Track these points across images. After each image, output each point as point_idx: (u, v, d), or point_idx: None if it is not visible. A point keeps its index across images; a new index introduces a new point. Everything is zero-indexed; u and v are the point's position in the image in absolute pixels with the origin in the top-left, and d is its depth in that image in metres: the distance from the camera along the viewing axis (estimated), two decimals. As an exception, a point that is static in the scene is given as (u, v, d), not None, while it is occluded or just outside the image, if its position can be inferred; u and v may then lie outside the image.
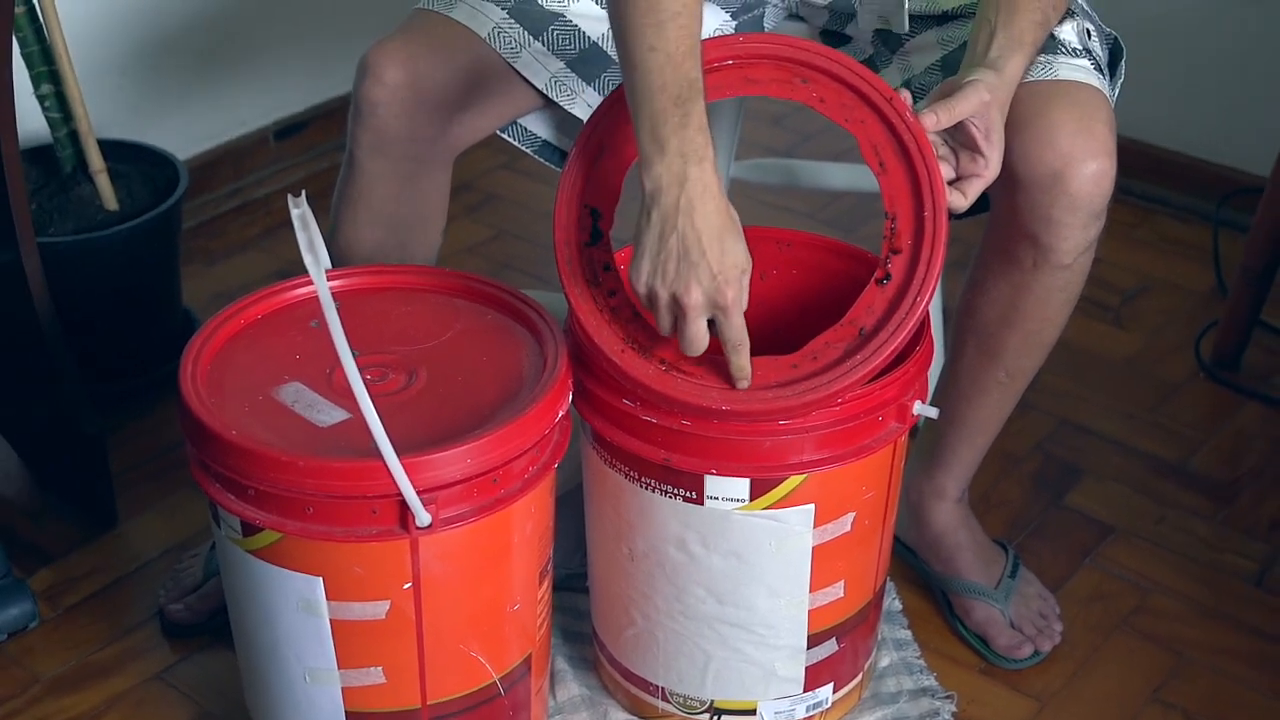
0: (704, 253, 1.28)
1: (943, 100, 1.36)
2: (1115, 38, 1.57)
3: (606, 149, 1.40)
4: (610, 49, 1.60)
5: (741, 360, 1.33)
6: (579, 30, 1.59)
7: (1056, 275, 1.49)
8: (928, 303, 1.34)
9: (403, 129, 1.54)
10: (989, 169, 1.37)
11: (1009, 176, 1.42)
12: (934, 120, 1.35)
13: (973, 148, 1.37)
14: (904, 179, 1.36)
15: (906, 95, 1.38)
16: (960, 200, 1.38)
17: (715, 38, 1.44)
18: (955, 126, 1.36)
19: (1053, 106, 1.42)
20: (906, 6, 1.56)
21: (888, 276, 1.35)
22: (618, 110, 1.40)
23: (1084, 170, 1.41)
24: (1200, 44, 2.44)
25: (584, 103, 1.61)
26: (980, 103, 1.35)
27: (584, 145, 1.40)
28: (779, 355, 1.35)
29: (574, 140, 1.62)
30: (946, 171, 1.38)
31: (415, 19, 1.57)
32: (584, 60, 1.60)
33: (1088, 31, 1.52)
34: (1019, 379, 1.60)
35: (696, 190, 1.28)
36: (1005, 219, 1.48)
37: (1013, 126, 1.41)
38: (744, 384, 1.34)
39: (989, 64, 1.39)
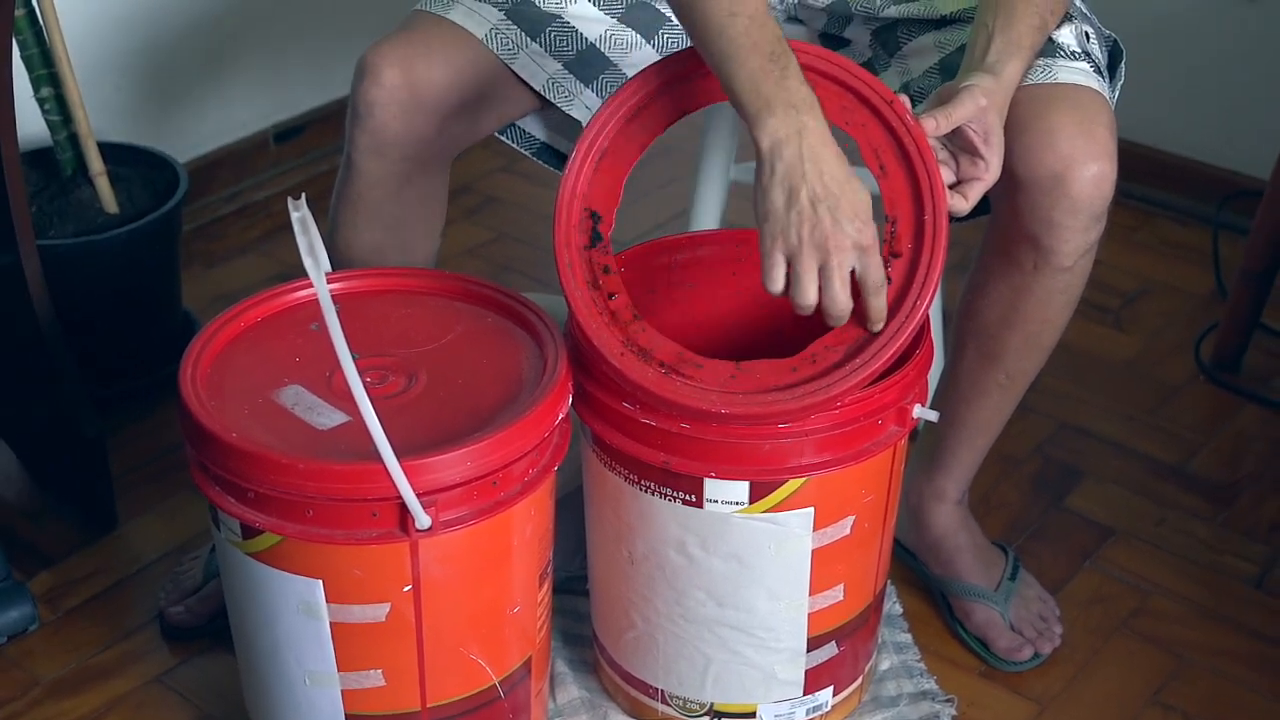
0: (839, 198, 1.28)
1: (940, 106, 1.36)
2: (1114, 40, 1.57)
3: (608, 152, 1.40)
4: (608, 50, 1.60)
5: (880, 301, 1.32)
6: (576, 31, 1.59)
7: (1057, 277, 1.49)
8: (928, 306, 1.34)
9: (400, 130, 1.54)
10: (989, 172, 1.38)
11: (1010, 179, 1.42)
12: (933, 125, 1.35)
13: (972, 151, 1.37)
14: (904, 182, 1.36)
15: (905, 100, 1.38)
16: (961, 203, 1.38)
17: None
18: (954, 131, 1.36)
19: (1053, 109, 1.42)
20: None
21: (888, 280, 1.35)
22: (619, 113, 1.40)
23: (1085, 173, 1.41)
24: (1200, 46, 2.44)
25: (582, 104, 1.61)
26: (977, 108, 1.35)
27: (585, 148, 1.40)
28: (779, 359, 1.35)
29: (572, 142, 1.62)
30: (947, 175, 1.38)
31: (413, 20, 1.57)
32: (582, 61, 1.60)
33: (1086, 34, 1.52)
34: (1019, 381, 1.60)
35: (816, 138, 1.29)
36: (1006, 221, 1.48)
37: (1013, 129, 1.41)
38: (878, 326, 1.33)
39: (986, 68, 1.39)
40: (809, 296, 1.31)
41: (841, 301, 1.31)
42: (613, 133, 1.40)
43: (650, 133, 1.41)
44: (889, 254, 1.36)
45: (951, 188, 1.38)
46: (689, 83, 1.42)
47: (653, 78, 1.41)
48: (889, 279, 1.34)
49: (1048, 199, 1.42)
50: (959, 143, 1.38)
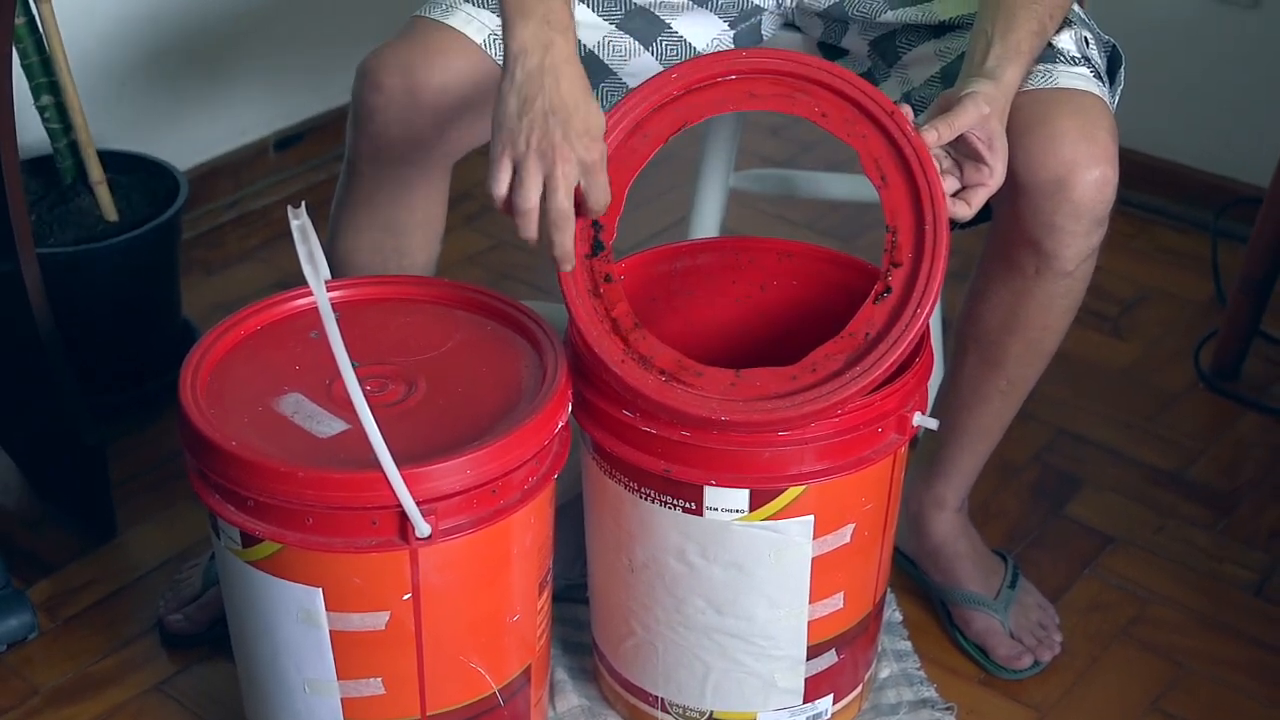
0: (572, 113, 1.29)
1: (942, 115, 1.36)
2: (1114, 45, 1.57)
3: (611, 161, 1.40)
4: (607, 58, 1.60)
5: (602, 206, 1.33)
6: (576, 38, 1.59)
7: (1059, 282, 1.49)
8: (928, 315, 1.34)
9: (400, 135, 1.54)
10: (993, 177, 1.38)
11: (1012, 183, 1.42)
12: (935, 136, 1.35)
13: (976, 158, 1.37)
14: (905, 192, 1.36)
15: (908, 110, 1.38)
16: (965, 210, 1.38)
17: (717, 52, 1.44)
18: (957, 138, 1.36)
19: (1055, 114, 1.42)
20: None
21: (888, 289, 1.35)
22: (621, 125, 1.40)
23: (1087, 177, 1.41)
24: (1199, 52, 2.44)
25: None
26: (979, 115, 1.35)
27: None
28: (779, 367, 1.35)
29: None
30: (952, 184, 1.38)
31: (412, 27, 1.57)
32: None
33: (1086, 40, 1.52)
34: (1020, 387, 1.60)
35: (561, 55, 1.31)
36: (1008, 226, 1.48)
37: (1015, 134, 1.41)
38: (568, 266, 1.33)
39: (986, 73, 1.39)
40: (529, 200, 1.30)
41: (563, 209, 1.30)
42: (614, 144, 1.40)
43: (652, 144, 1.41)
44: (889, 263, 1.36)
45: (955, 194, 1.38)
46: (691, 95, 1.42)
47: (654, 90, 1.41)
48: (890, 289, 1.34)
49: (1050, 203, 1.42)
50: (962, 149, 1.38)
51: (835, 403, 1.33)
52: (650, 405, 1.35)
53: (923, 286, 1.34)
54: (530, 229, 1.32)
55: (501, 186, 1.32)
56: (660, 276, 1.55)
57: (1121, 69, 1.56)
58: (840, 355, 1.34)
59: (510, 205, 1.32)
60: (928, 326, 1.39)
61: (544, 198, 1.31)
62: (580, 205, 1.34)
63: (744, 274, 1.56)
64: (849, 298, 1.46)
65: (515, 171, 1.31)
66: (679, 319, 1.54)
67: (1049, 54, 1.48)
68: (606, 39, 1.60)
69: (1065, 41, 1.50)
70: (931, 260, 1.35)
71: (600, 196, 1.34)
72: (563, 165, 1.30)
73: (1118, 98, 1.55)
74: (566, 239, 1.33)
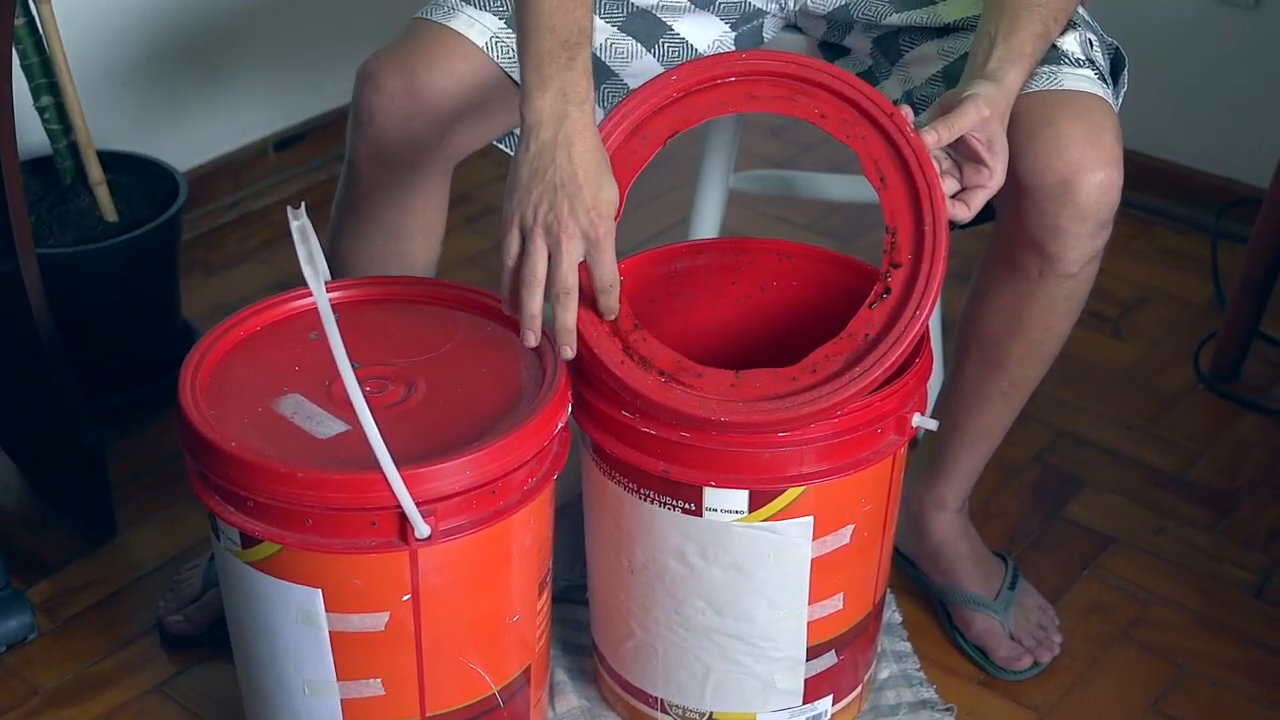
0: (581, 187, 1.30)
1: (942, 117, 1.36)
2: (1117, 47, 1.57)
3: (613, 162, 1.40)
4: (609, 60, 1.60)
5: (611, 301, 1.35)
6: (577, 41, 1.59)
7: (1062, 284, 1.49)
8: (928, 316, 1.34)
9: (401, 137, 1.54)
10: (993, 179, 1.38)
11: (1016, 185, 1.42)
12: (935, 138, 1.35)
13: (976, 160, 1.37)
14: (904, 194, 1.37)
15: (908, 111, 1.38)
16: (964, 211, 1.38)
17: (717, 54, 1.44)
18: (957, 140, 1.36)
19: (1061, 116, 1.42)
20: None
21: (888, 290, 1.35)
22: (620, 127, 1.40)
23: (1092, 179, 1.41)
24: (1199, 53, 2.44)
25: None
26: (980, 117, 1.35)
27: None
28: (779, 368, 1.35)
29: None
30: (951, 185, 1.38)
31: (414, 29, 1.57)
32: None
33: (1090, 41, 1.52)
34: (1021, 389, 1.60)
35: (576, 128, 1.31)
36: (1011, 228, 1.48)
37: (1020, 136, 1.41)
38: (612, 317, 1.35)
39: (988, 75, 1.39)
40: (534, 272, 1.31)
41: (567, 282, 1.31)
42: (613, 148, 1.40)
43: (651, 146, 1.41)
44: (889, 264, 1.36)
45: (954, 196, 1.38)
46: (690, 97, 1.42)
47: (654, 93, 1.41)
48: (890, 290, 1.34)
49: (1054, 205, 1.42)
50: (962, 151, 1.38)
51: (835, 404, 1.33)
52: (650, 406, 1.35)
53: (922, 287, 1.34)
54: (534, 301, 1.32)
55: (510, 257, 1.33)
56: (660, 278, 1.55)
57: (1125, 71, 1.56)
58: (840, 356, 1.35)
59: (517, 277, 1.33)
60: (927, 327, 1.39)
61: (549, 272, 1.31)
62: (585, 284, 1.34)
63: (744, 275, 1.56)
64: (849, 299, 1.46)
65: (523, 243, 1.32)
66: (678, 320, 1.55)
67: (1053, 56, 1.48)
68: (609, 41, 1.60)
69: (1070, 43, 1.50)
70: (931, 261, 1.35)
71: (605, 274, 1.33)
72: (567, 240, 1.30)
73: (1121, 100, 1.55)
74: (568, 315, 1.33)
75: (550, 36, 1.32)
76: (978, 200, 1.38)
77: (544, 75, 1.32)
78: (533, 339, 1.35)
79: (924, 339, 1.42)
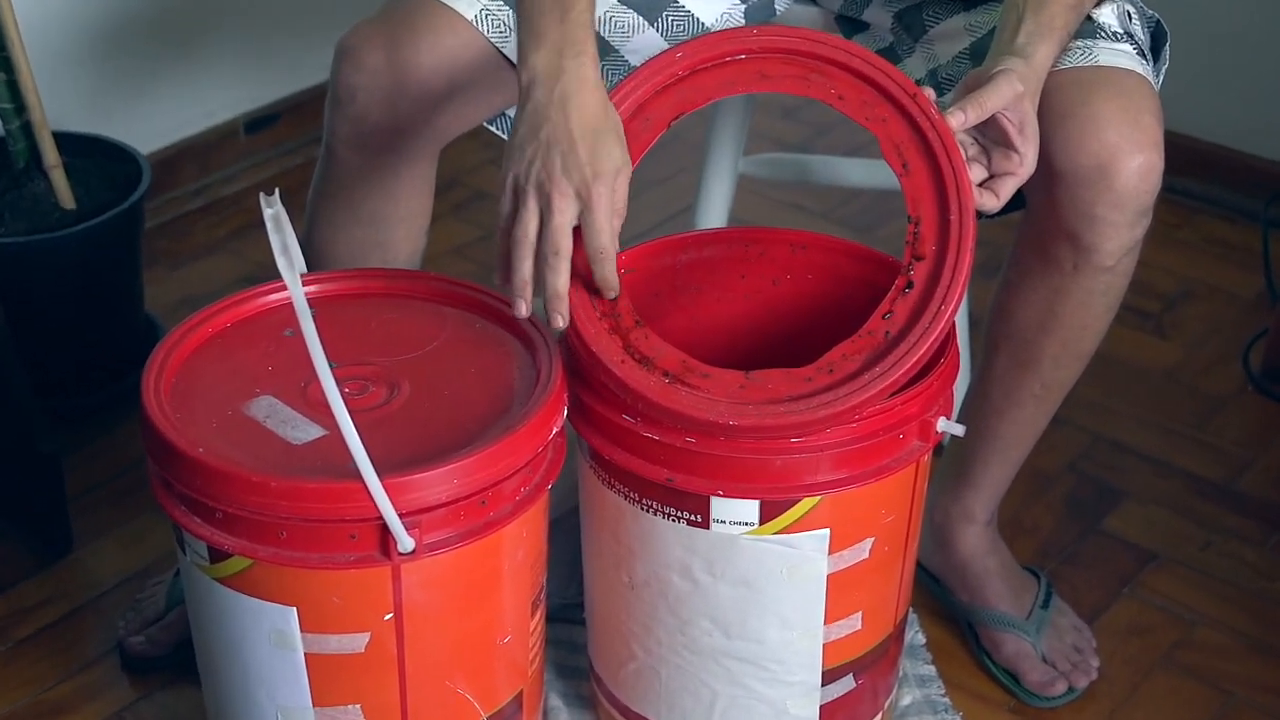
0: (575, 144, 1.31)
1: (971, 95, 1.36)
2: (1157, 20, 1.57)
3: None
4: (608, 34, 1.61)
5: (605, 272, 1.35)
6: (573, 13, 1.59)
7: (1098, 278, 1.49)
8: (953, 311, 1.35)
9: (383, 118, 1.54)
10: (1024, 166, 1.38)
11: (1048, 171, 1.42)
12: (962, 118, 1.35)
13: (1006, 144, 1.37)
14: (928, 180, 1.37)
15: (930, 93, 1.39)
16: (992, 201, 1.38)
17: (727, 30, 1.45)
18: (986, 122, 1.36)
19: (1096, 95, 1.42)
20: None
21: (910, 284, 1.36)
22: (622, 105, 1.40)
23: (1131, 164, 1.41)
24: (1247, 27, 2.44)
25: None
26: (1013, 94, 1.35)
27: None
28: (792, 368, 1.35)
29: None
30: (978, 172, 1.38)
31: (398, 0, 1.57)
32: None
33: (1129, 14, 1.52)
34: (1055, 391, 1.60)
35: (573, 85, 1.32)
36: (1043, 217, 1.48)
37: (1053, 117, 1.41)
38: (611, 294, 1.35)
39: (1016, 51, 1.39)
40: (525, 231, 1.32)
41: (556, 242, 1.32)
42: (625, 113, 1.40)
43: (654, 129, 1.42)
44: (911, 256, 1.36)
45: (981, 184, 1.38)
46: (698, 76, 1.42)
47: (658, 70, 1.41)
48: (912, 284, 1.34)
49: (1090, 192, 1.43)
50: (991, 135, 1.38)
51: (853, 406, 1.33)
52: (652, 409, 1.35)
53: (947, 281, 1.35)
54: (523, 265, 1.33)
55: (503, 219, 1.34)
56: (664, 270, 1.55)
57: (1166, 46, 1.56)
58: (858, 355, 1.35)
59: (508, 240, 1.34)
60: (953, 325, 1.39)
61: (540, 233, 1.33)
62: (582, 267, 1.35)
63: (754, 267, 1.56)
64: (868, 293, 1.46)
65: (515, 204, 1.33)
66: (684, 316, 1.55)
67: (1089, 29, 1.48)
68: (608, 14, 1.61)
69: (1106, 15, 1.50)
70: (957, 253, 1.35)
71: (596, 239, 1.33)
72: (559, 199, 1.31)
73: (1162, 77, 1.55)
74: (558, 280, 1.33)
75: None
76: (1007, 188, 1.38)
77: (537, 30, 1.34)
78: (523, 308, 1.35)
79: (949, 337, 1.42)
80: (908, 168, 1.38)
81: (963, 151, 1.37)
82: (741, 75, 1.43)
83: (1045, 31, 1.40)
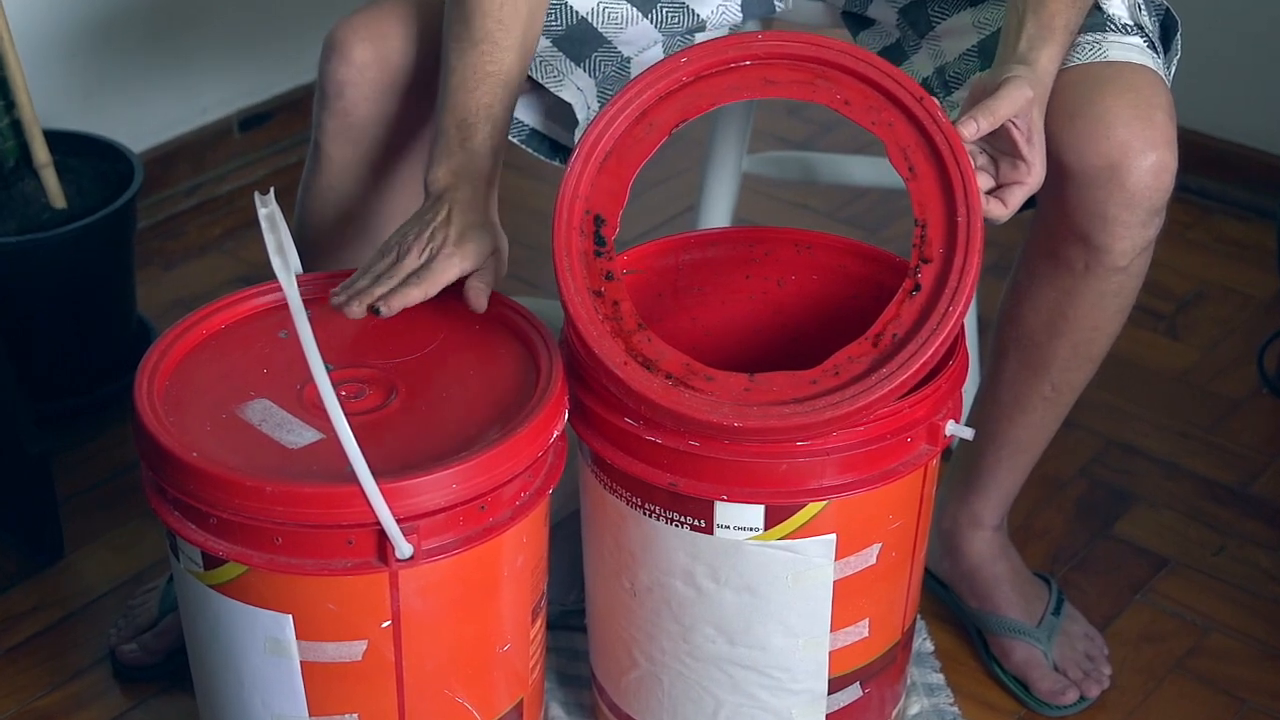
0: (450, 228, 1.43)
1: (982, 103, 1.35)
2: (1167, 9, 1.57)
3: (612, 153, 1.41)
4: (601, 25, 1.60)
5: (391, 296, 1.40)
6: (565, 4, 1.59)
7: (1110, 279, 1.49)
8: (962, 313, 1.35)
9: (372, 113, 1.54)
10: (1032, 175, 1.37)
11: (1058, 170, 1.42)
12: (974, 128, 1.34)
13: (1014, 153, 1.36)
14: (935, 184, 1.37)
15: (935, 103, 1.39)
16: (1000, 209, 1.37)
17: (731, 36, 1.45)
18: (994, 131, 1.36)
19: (1106, 92, 1.42)
20: None
21: (917, 287, 1.35)
22: (625, 112, 1.41)
23: (1143, 162, 1.41)
24: (1260, 18, 2.44)
25: (573, 85, 1.61)
26: (1024, 100, 1.34)
27: (587, 149, 1.41)
28: (797, 370, 1.35)
29: (563, 127, 1.65)
30: (986, 181, 1.38)
31: (387, -8, 1.57)
32: (572, 38, 1.61)
33: (1138, 4, 1.52)
34: (1066, 394, 1.60)
35: (459, 203, 1.44)
36: (1053, 217, 1.48)
37: (1062, 115, 1.41)
38: (384, 313, 1.40)
39: (1020, 59, 1.39)
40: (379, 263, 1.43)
41: (401, 269, 1.42)
42: (618, 133, 1.41)
43: (658, 135, 1.42)
44: (919, 259, 1.36)
45: (989, 193, 1.38)
46: (702, 81, 1.43)
47: (662, 76, 1.42)
48: (920, 287, 1.34)
49: (1101, 192, 1.43)
50: (999, 145, 1.37)
51: (860, 408, 1.33)
52: (655, 410, 1.35)
53: (955, 283, 1.35)
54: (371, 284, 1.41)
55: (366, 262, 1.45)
56: (667, 270, 1.55)
57: (1177, 36, 1.56)
58: (865, 358, 1.35)
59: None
60: (961, 326, 1.39)
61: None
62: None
63: (759, 268, 1.56)
64: (874, 294, 1.47)
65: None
66: (687, 317, 1.55)
67: (1098, 21, 1.48)
68: (601, 5, 1.61)
69: (1116, 6, 1.49)
70: (965, 256, 1.35)
71: (417, 290, 1.40)
72: (417, 250, 1.42)
73: (1173, 70, 1.55)
74: (383, 288, 1.40)
75: (448, 116, 1.46)
76: (1016, 198, 1.38)
77: (437, 152, 1.46)
78: (356, 309, 1.40)
79: (958, 339, 1.42)
80: (914, 171, 1.38)
81: (971, 159, 1.37)
82: (746, 81, 1.43)
83: (1047, 34, 1.40)
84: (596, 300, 1.38)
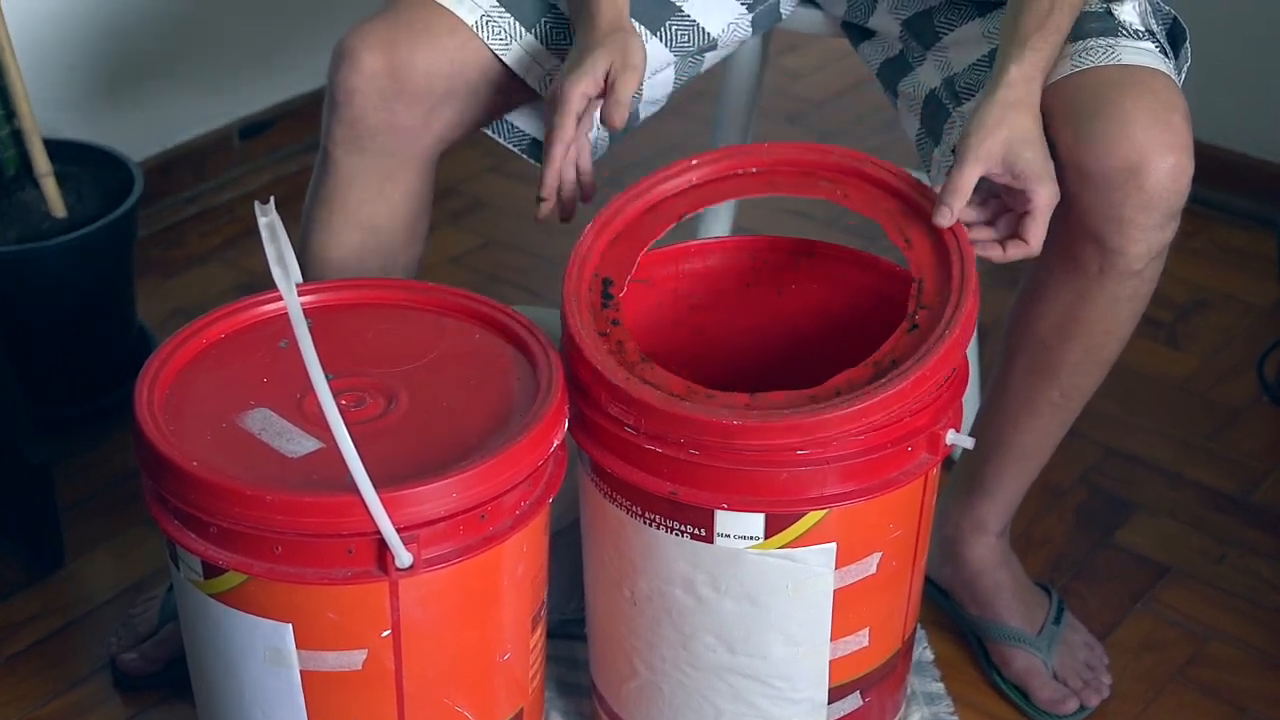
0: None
1: (944, 188, 1.41)
2: (1174, 18, 1.57)
3: (623, 233, 1.48)
4: None
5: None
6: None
7: (1124, 283, 1.49)
8: (960, 342, 1.36)
9: (381, 121, 1.54)
10: (1037, 199, 1.40)
11: (1075, 172, 1.43)
12: (948, 213, 1.41)
13: (1008, 196, 1.42)
14: (930, 249, 1.43)
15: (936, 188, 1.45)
16: (1021, 249, 1.42)
17: (740, 147, 1.54)
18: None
19: (1124, 95, 1.42)
20: None
21: (915, 325, 1.38)
22: (639, 199, 1.49)
23: (1162, 165, 1.42)
24: (1262, 29, 2.44)
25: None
26: (976, 171, 1.40)
27: (599, 227, 1.48)
28: (796, 390, 1.36)
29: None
30: (985, 231, 1.44)
31: (397, 2, 1.57)
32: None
33: (1148, 12, 1.52)
34: (1074, 399, 1.60)
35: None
36: (1068, 219, 1.47)
37: (1080, 117, 1.42)
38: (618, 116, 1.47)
39: (994, 82, 1.42)
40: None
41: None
42: (628, 218, 1.48)
43: (664, 223, 1.49)
44: (916, 305, 1.39)
45: (1010, 236, 1.43)
46: (708, 185, 1.51)
47: (671, 177, 1.50)
48: (917, 325, 1.38)
49: (1119, 194, 1.43)
50: (989, 187, 1.41)
51: (859, 409, 1.33)
52: (655, 416, 1.35)
53: (951, 316, 1.38)
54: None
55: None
56: (667, 280, 1.55)
57: (1186, 44, 1.56)
58: (864, 381, 1.36)
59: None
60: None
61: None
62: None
63: (759, 277, 1.56)
64: (875, 302, 1.48)
65: None
66: (687, 328, 1.56)
67: (1109, 26, 1.48)
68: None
69: (1128, 13, 1.50)
70: (958, 300, 1.38)
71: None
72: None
73: (1184, 75, 1.55)
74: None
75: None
76: (1031, 229, 1.41)
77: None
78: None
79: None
80: (910, 242, 1.44)
81: (969, 213, 1.43)
82: (751, 184, 1.52)
83: (1014, 49, 1.42)
84: (601, 339, 1.40)
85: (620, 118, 1.47)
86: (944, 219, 1.41)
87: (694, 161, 1.52)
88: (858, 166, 1.50)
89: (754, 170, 1.53)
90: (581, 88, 1.47)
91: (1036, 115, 1.43)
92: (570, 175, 1.52)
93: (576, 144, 1.49)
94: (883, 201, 1.48)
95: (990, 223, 1.45)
